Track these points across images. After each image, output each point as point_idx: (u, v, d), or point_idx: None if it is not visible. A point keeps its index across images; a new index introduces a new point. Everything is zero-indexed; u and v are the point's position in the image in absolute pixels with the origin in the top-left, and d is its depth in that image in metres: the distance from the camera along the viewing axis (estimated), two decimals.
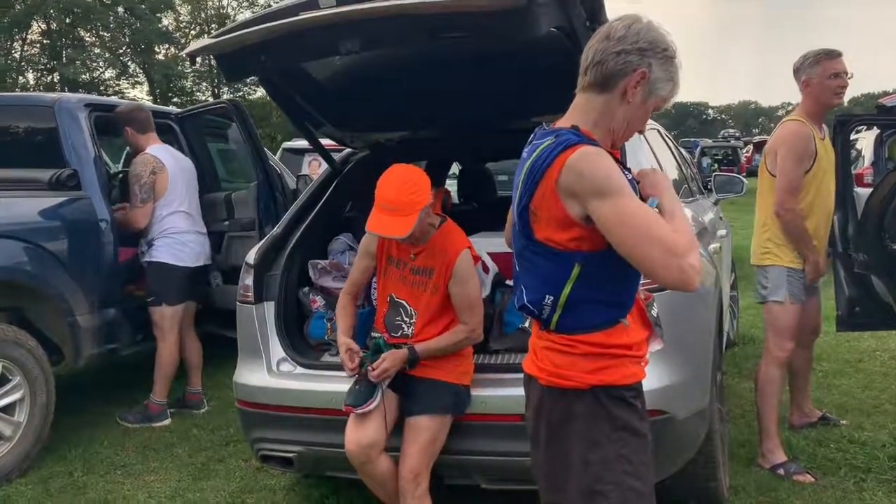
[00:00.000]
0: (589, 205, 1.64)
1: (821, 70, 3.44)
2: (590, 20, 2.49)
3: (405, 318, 2.76)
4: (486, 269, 3.12)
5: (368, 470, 2.67)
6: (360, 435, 2.62)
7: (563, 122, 1.77)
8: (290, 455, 2.94)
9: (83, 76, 32.66)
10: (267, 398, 2.97)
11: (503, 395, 2.65)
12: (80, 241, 4.17)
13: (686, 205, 3.54)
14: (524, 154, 1.78)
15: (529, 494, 2.00)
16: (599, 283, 1.72)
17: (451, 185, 5.08)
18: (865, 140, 9.15)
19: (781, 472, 3.44)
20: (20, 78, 32.59)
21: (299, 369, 3.01)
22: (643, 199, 1.75)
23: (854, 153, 8.55)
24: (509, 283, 3.10)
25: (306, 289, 3.38)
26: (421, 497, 2.62)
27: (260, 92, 30.60)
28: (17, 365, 3.75)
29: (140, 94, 35.15)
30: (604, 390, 1.76)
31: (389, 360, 2.62)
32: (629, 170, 1.78)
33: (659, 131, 4.29)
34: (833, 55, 3.46)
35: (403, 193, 2.55)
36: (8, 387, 3.73)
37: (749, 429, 3.89)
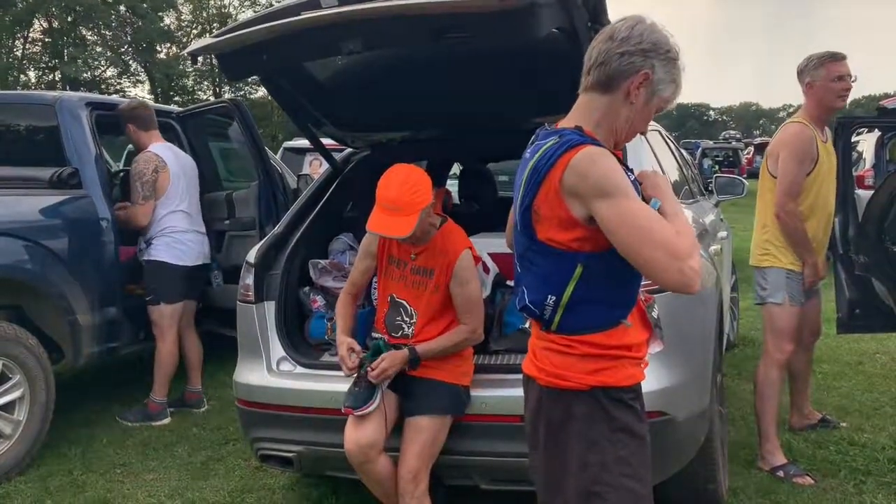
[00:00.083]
0: (591, 205, 1.64)
1: (825, 73, 3.44)
2: (592, 21, 2.49)
3: (405, 319, 2.75)
4: (486, 270, 3.12)
5: (367, 470, 2.67)
6: (360, 435, 2.62)
7: (566, 123, 1.77)
8: (290, 455, 2.94)
9: (85, 75, 32.67)
10: (267, 397, 2.97)
11: (503, 395, 2.65)
12: (81, 239, 4.17)
13: (687, 206, 3.54)
14: (526, 154, 1.79)
15: (528, 495, 2.00)
16: (602, 283, 1.72)
17: (452, 186, 5.07)
18: (866, 142, 9.16)
19: (781, 474, 3.43)
20: (21, 76, 32.62)
21: (299, 369, 3.01)
22: (645, 200, 1.75)
23: (855, 155, 8.55)
24: (510, 283, 3.10)
25: (307, 288, 3.39)
26: (420, 497, 2.62)
27: (261, 91, 30.67)
28: (18, 363, 3.76)
29: (141, 92, 35.19)
30: (603, 391, 1.76)
31: (388, 361, 2.62)
32: (631, 171, 1.78)
33: (660, 132, 4.29)
34: (837, 58, 3.46)
35: (405, 193, 2.55)
36: (8, 385, 3.73)
37: (749, 430, 3.89)
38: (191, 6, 37.51)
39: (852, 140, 4.70)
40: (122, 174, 5.34)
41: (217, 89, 36.42)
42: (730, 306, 5.01)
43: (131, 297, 4.45)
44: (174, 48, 35.86)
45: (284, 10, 2.59)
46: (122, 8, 33.10)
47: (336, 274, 3.41)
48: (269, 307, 3.13)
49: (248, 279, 3.14)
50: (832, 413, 4.17)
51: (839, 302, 4.02)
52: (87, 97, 4.79)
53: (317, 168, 8.48)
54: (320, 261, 3.45)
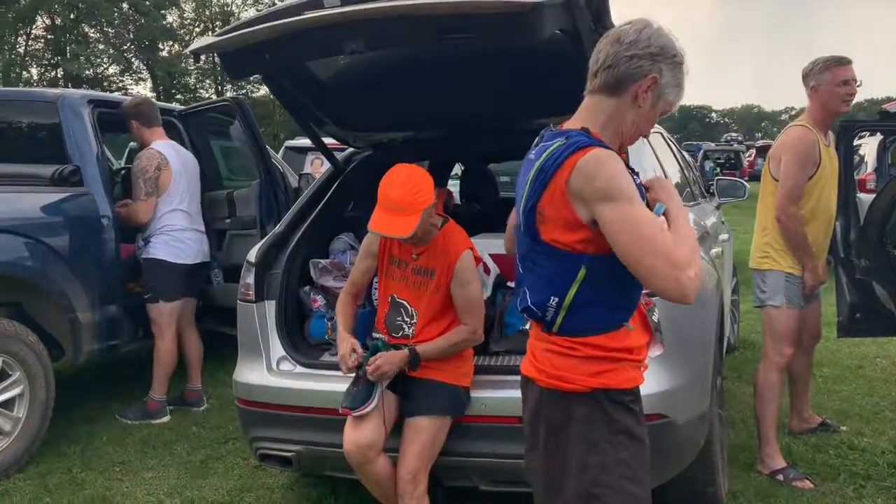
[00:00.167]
0: (595, 208, 1.64)
1: (830, 77, 3.43)
2: (595, 22, 2.49)
3: (406, 319, 2.75)
4: (487, 271, 3.12)
5: (366, 470, 2.67)
6: (359, 435, 2.62)
7: (572, 124, 1.77)
8: (289, 454, 2.94)
9: (87, 72, 32.70)
10: (266, 397, 2.97)
11: (503, 397, 2.65)
12: (82, 237, 4.17)
13: (688, 208, 3.54)
14: (531, 156, 1.78)
15: (527, 496, 1.99)
16: (605, 285, 1.72)
17: (454, 186, 5.07)
18: (868, 146, 9.15)
19: (780, 477, 3.43)
20: (24, 73, 32.66)
21: (299, 368, 3.01)
22: (650, 204, 1.75)
23: (857, 159, 8.54)
24: (510, 284, 3.10)
25: (307, 288, 3.38)
26: (419, 498, 2.62)
27: (263, 90, 30.67)
28: (18, 360, 3.75)
29: (143, 90, 35.23)
30: (604, 394, 1.76)
31: (384, 359, 2.62)
32: (637, 174, 1.78)
33: (662, 134, 4.29)
34: (843, 62, 3.45)
35: (407, 193, 2.55)
36: (8, 382, 3.73)
37: (749, 434, 3.88)
38: (193, 4, 37.56)
39: (854, 143, 4.69)
40: (123, 172, 5.34)
41: (219, 87, 36.45)
42: (730, 309, 5.01)
43: (131, 294, 4.45)
44: (176, 46, 35.90)
45: (287, 10, 2.59)
46: (125, 5, 33.15)
47: (337, 274, 3.41)
48: (270, 306, 3.13)
49: (249, 278, 3.14)
50: (832, 417, 4.17)
51: (840, 305, 4.01)
52: (89, 95, 4.79)
53: (318, 167, 8.48)
54: (321, 260, 3.45)
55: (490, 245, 3.15)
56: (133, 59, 35.36)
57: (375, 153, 3.79)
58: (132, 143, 7.66)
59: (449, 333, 2.70)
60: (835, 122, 3.63)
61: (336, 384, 2.75)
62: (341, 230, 3.68)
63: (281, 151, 9.41)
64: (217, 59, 3.14)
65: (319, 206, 3.54)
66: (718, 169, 23.52)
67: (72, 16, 32.35)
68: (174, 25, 36.54)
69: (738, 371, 5.09)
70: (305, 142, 8.76)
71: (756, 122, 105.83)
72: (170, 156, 4.48)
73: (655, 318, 2.45)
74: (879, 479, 3.41)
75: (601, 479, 1.74)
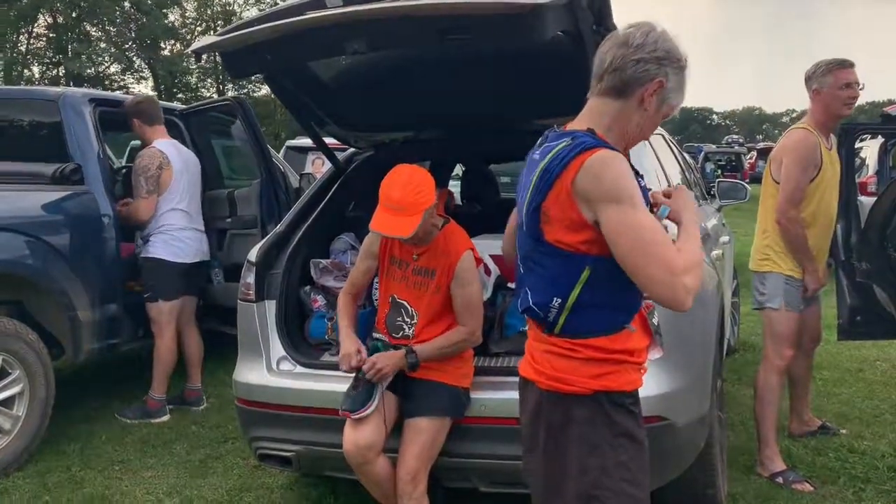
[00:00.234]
0: (598, 209, 1.64)
1: (832, 80, 3.43)
2: (596, 24, 2.49)
3: (406, 319, 2.75)
4: (488, 272, 3.11)
5: (366, 471, 2.67)
6: (358, 436, 2.61)
7: (576, 125, 1.77)
8: (289, 454, 2.94)
9: (88, 70, 32.71)
10: (266, 397, 2.97)
11: (503, 398, 2.64)
12: (83, 235, 4.17)
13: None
14: (535, 156, 1.78)
15: (526, 498, 1.99)
16: (608, 287, 1.72)
17: (455, 187, 5.07)
18: (870, 149, 9.14)
19: (780, 480, 3.43)
20: (25, 71, 32.66)
21: (299, 368, 3.00)
22: (653, 208, 1.75)
23: (858, 162, 8.54)
24: (511, 285, 3.10)
25: (307, 288, 3.38)
26: (419, 499, 2.61)
27: (265, 89, 30.64)
28: (18, 358, 3.75)
29: (145, 89, 35.24)
30: (606, 396, 1.75)
31: (381, 360, 2.62)
32: (641, 176, 1.78)
33: (663, 136, 4.29)
34: (846, 65, 3.45)
35: (408, 194, 2.55)
36: (7, 380, 3.73)
37: (749, 436, 3.88)
38: (195, 3, 37.56)
39: (855, 146, 4.69)
40: (124, 171, 5.34)
41: (220, 87, 36.44)
42: (731, 311, 5.01)
43: (132, 293, 4.45)
44: (178, 45, 35.91)
45: (289, 10, 2.59)
46: (127, 4, 33.15)
47: (337, 274, 3.40)
48: (270, 306, 3.13)
49: (250, 278, 3.14)
50: (832, 420, 4.17)
51: (840, 308, 4.01)
52: (90, 93, 4.79)
53: (319, 167, 8.48)
54: (321, 260, 3.45)
55: (491, 246, 3.15)
56: (135, 58, 35.37)
57: (377, 153, 3.79)
58: (133, 142, 7.68)
59: (447, 334, 2.70)
60: (837, 124, 3.62)
61: (336, 384, 2.75)
62: (342, 230, 3.68)
63: (282, 151, 9.40)
64: (218, 59, 3.14)
65: (320, 206, 3.53)
66: (719, 171, 23.49)
67: (74, 14, 32.37)
68: (176, 24, 36.55)
69: (738, 373, 5.09)
70: (306, 141, 8.75)
71: (757, 125, 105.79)
72: (171, 155, 4.48)
73: (655, 320, 2.45)
74: (879, 483, 3.41)
75: (601, 482, 1.74)
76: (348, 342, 2.72)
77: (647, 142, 3.09)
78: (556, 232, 1.70)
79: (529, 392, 1.87)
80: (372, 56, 2.83)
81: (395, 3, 2.39)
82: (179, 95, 34.80)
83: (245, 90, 33.15)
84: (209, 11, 37.95)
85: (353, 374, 2.66)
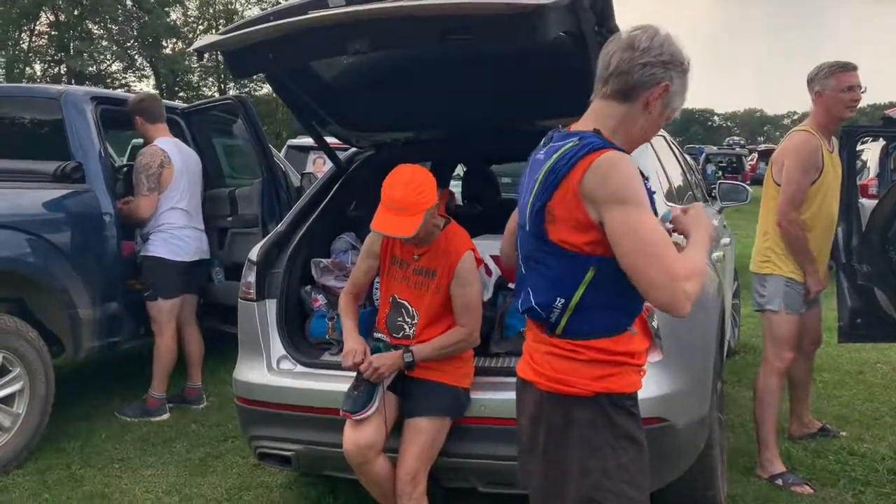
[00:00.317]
0: (603, 209, 1.64)
1: (835, 82, 3.43)
2: (599, 25, 2.49)
3: (407, 319, 2.75)
4: (488, 272, 3.11)
5: (366, 471, 2.67)
6: (359, 435, 2.61)
7: (582, 127, 1.77)
8: (289, 453, 2.94)
9: (90, 68, 32.73)
10: (266, 396, 2.97)
11: (503, 398, 2.64)
12: (84, 233, 4.17)
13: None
14: (540, 155, 1.78)
15: (526, 498, 1.99)
16: (612, 288, 1.71)
17: (456, 187, 5.07)
18: (871, 151, 9.13)
19: (780, 482, 3.43)
20: (27, 69, 32.68)
21: (299, 368, 3.00)
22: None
23: (859, 164, 8.52)
24: (512, 286, 3.10)
25: (308, 287, 3.38)
26: (418, 499, 2.61)
27: (266, 88, 30.67)
28: (18, 356, 3.76)
29: (146, 87, 35.21)
30: (607, 398, 1.75)
31: (378, 360, 2.62)
32: (647, 179, 1.78)
33: (664, 137, 4.29)
34: (849, 68, 3.45)
35: (410, 193, 2.54)
36: (8, 378, 3.73)
37: (748, 438, 3.88)
38: (197, 2, 37.57)
39: (857, 149, 4.68)
40: (125, 169, 5.34)
41: (222, 86, 36.45)
42: (731, 313, 5.00)
43: (132, 291, 4.45)
44: (180, 44, 35.92)
45: (291, 9, 2.59)
46: (129, 2, 33.16)
47: (338, 273, 3.41)
48: (271, 305, 3.13)
49: (250, 277, 3.14)
50: (832, 422, 4.17)
51: (841, 311, 4.01)
52: (92, 91, 4.79)
53: (320, 166, 8.47)
54: (322, 259, 3.45)
55: (492, 246, 3.14)
56: (136, 57, 35.39)
57: (378, 153, 3.79)
58: (135, 140, 7.68)
59: (446, 334, 2.70)
60: (838, 127, 3.62)
61: (336, 384, 2.75)
62: (343, 230, 3.68)
63: (283, 150, 9.39)
64: (220, 58, 3.14)
65: (321, 206, 3.54)
66: (720, 172, 23.48)
67: (76, 12, 32.39)
68: (178, 23, 36.56)
69: (738, 375, 5.09)
70: (308, 141, 8.74)
71: (758, 126, 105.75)
72: (172, 153, 4.48)
73: (655, 323, 2.45)
74: (879, 486, 3.41)
75: (602, 483, 1.73)
76: (352, 340, 2.73)
77: (648, 143, 3.10)
78: (560, 232, 1.70)
79: (528, 393, 1.86)
80: (374, 56, 2.83)
81: (397, 3, 2.39)
82: (181, 94, 34.81)
83: (247, 89, 33.17)
84: (211, 10, 37.96)
85: (354, 373, 2.66)
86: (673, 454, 2.65)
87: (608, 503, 1.73)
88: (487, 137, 3.72)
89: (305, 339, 3.25)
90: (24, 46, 33.24)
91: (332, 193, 3.61)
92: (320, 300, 3.35)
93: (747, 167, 25.41)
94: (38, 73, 33.33)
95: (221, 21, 35.94)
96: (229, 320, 3.88)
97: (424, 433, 2.61)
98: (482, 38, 2.44)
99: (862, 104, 3.59)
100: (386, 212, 2.56)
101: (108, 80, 33.60)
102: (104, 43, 34.11)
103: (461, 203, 4.75)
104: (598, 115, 1.78)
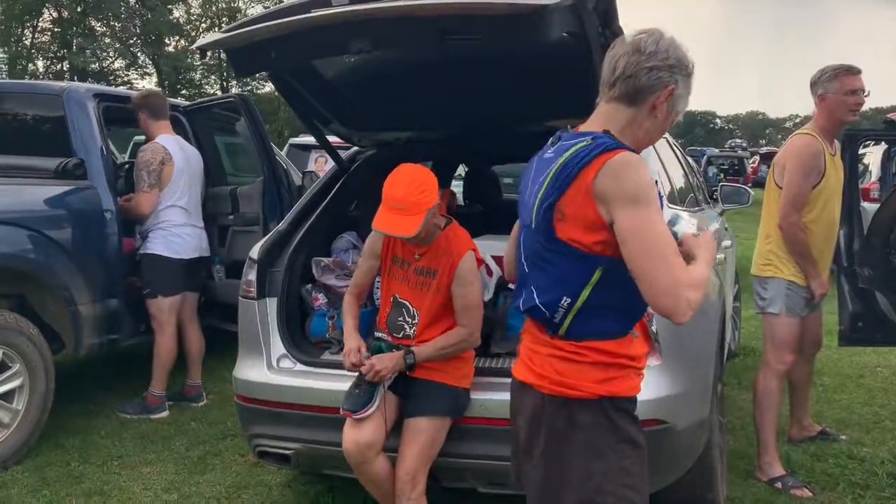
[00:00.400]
0: (615, 209, 1.63)
1: (838, 86, 3.42)
2: (602, 26, 2.48)
3: (407, 319, 2.75)
4: (489, 273, 3.11)
5: (365, 470, 2.66)
6: (358, 435, 2.61)
7: (591, 128, 1.77)
8: (288, 452, 2.94)
9: (93, 65, 32.70)
10: (266, 394, 2.97)
11: (503, 399, 2.59)
12: (85, 230, 4.17)
13: (692, 215, 3.54)
14: (549, 154, 1.78)
15: (525, 499, 1.99)
16: (619, 289, 1.70)
17: (457, 187, 5.07)
18: (873, 155, 9.13)
19: (779, 485, 3.42)
20: (30, 65, 32.68)
21: (299, 366, 3.00)
22: None
23: (861, 168, 8.52)
24: (513, 287, 3.09)
25: (309, 286, 3.38)
26: (417, 499, 2.61)
27: (268, 87, 30.64)
28: (18, 352, 3.76)
29: (149, 84, 35.17)
30: (610, 401, 1.75)
31: (379, 362, 2.62)
32: (655, 182, 1.78)
33: (667, 139, 4.28)
34: (853, 72, 3.44)
35: (411, 193, 2.54)
36: (8, 374, 3.73)
37: (748, 441, 3.88)
38: (200, 0, 37.54)
39: (859, 153, 4.68)
40: (127, 166, 5.34)
41: (224, 84, 36.45)
42: (732, 315, 5.00)
43: (133, 289, 4.45)
44: (183, 41, 35.91)
45: (294, 8, 2.59)
46: (132, 0, 33.14)
47: (339, 272, 3.41)
48: (271, 304, 3.13)
49: (251, 275, 3.14)
50: (832, 426, 4.16)
51: (842, 314, 4.00)
52: (94, 88, 4.79)
53: (322, 165, 8.47)
54: (323, 258, 3.45)
55: (493, 247, 3.14)
56: (139, 54, 35.35)
57: (380, 152, 3.79)
58: (137, 137, 7.68)
59: (446, 335, 2.70)
60: (840, 130, 3.62)
61: (336, 383, 2.75)
62: (344, 229, 3.68)
63: (285, 149, 9.40)
64: (223, 56, 3.14)
65: (323, 205, 3.53)
66: (722, 175, 23.50)
67: (79, 9, 32.36)
68: (181, 21, 36.52)
69: (738, 377, 5.09)
70: (309, 139, 8.74)
71: (760, 129, 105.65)
72: (174, 151, 4.48)
73: (654, 328, 2.45)
74: (878, 490, 3.40)
75: (604, 487, 1.73)
76: (351, 340, 2.73)
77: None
78: (570, 230, 1.69)
79: (527, 396, 1.85)
80: (376, 55, 2.83)
81: (400, 3, 2.39)
82: (183, 92, 34.77)
83: (249, 87, 33.15)
84: (214, 8, 37.91)
85: (356, 373, 2.66)
86: (673, 456, 2.64)
87: None
88: (489, 138, 3.72)
89: (306, 338, 3.25)
90: (27, 42, 33.23)
91: (333, 192, 3.61)
92: (321, 299, 3.35)
93: (749, 170, 25.44)
94: (41, 70, 33.32)
95: (224, 19, 35.89)
96: (229, 318, 3.88)
97: (424, 433, 2.61)
98: (485, 38, 2.44)
99: (864, 108, 3.59)
100: (387, 211, 2.56)
101: (111, 77, 33.58)
102: (107, 40, 34.07)
103: (462, 203, 4.75)
104: (604, 118, 1.78)
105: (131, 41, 34.44)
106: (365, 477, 2.70)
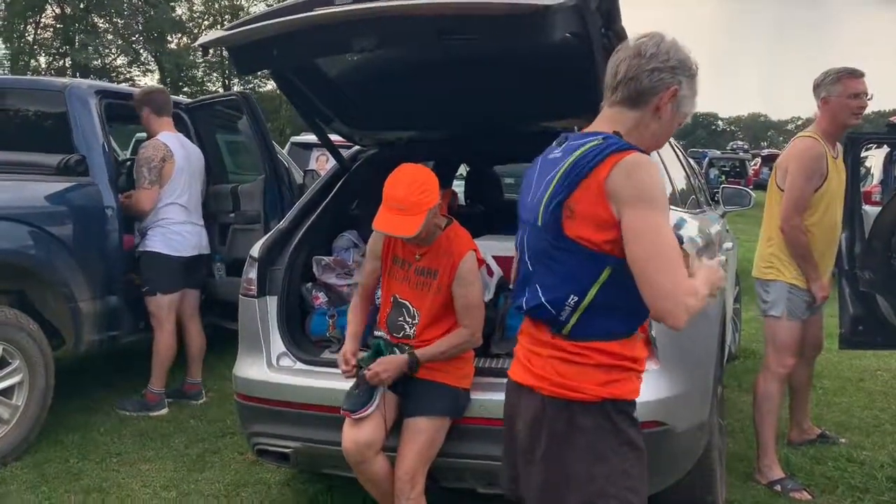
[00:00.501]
0: (623, 209, 1.64)
1: (841, 89, 3.42)
2: (605, 26, 2.48)
3: (408, 319, 2.75)
4: (490, 273, 3.11)
5: (364, 469, 2.66)
6: (358, 434, 2.61)
7: (599, 129, 1.77)
8: (287, 450, 2.94)
9: (95, 62, 32.74)
10: (266, 392, 2.97)
11: (503, 399, 2.63)
12: (86, 227, 4.17)
13: (693, 216, 3.53)
14: (557, 154, 1.78)
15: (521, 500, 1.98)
16: (626, 290, 1.69)
17: (458, 187, 5.07)
18: (875, 158, 9.13)
19: (778, 488, 3.42)
20: (32, 61, 32.69)
21: (299, 365, 3.00)
22: None
23: (862, 171, 8.52)
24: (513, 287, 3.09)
25: (309, 284, 3.38)
26: (416, 499, 2.61)
27: (270, 85, 30.64)
28: (18, 348, 3.76)
29: (151, 81, 35.17)
30: (613, 404, 1.75)
31: (383, 365, 2.61)
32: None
33: (668, 141, 4.27)
34: (856, 75, 3.44)
35: (412, 193, 2.54)
36: (8, 370, 3.73)
37: (748, 443, 3.87)
38: None
39: (861, 156, 4.67)
40: (129, 163, 5.34)
41: (226, 81, 36.47)
42: (732, 318, 5.00)
43: (134, 286, 4.45)
44: (185, 39, 35.92)
45: (297, 6, 2.58)
46: None
47: (339, 271, 3.40)
48: (272, 302, 3.13)
49: (251, 273, 3.14)
50: (831, 429, 4.16)
51: (842, 318, 3.99)
52: (96, 85, 4.79)
53: (323, 164, 8.46)
54: (324, 257, 3.45)
55: (494, 247, 3.14)
56: (141, 51, 35.36)
57: (381, 152, 3.79)
58: (138, 134, 7.67)
59: (448, 336, 2.69)
60: (843, 134, 3.61)
61: (336, 382, 2.75)
62: (345, 227, 3.68)
63: (287, 147, 9.38)
64: (225, 53, 3.14)
65: (324, 203, 3.53)
66: (723, 177, 23.47)
67: (81, 6, 32.38)
68: (183, 18, 36.55)
69: (738, 380, 5.08)
70: (311, 138, 8.73)
71: (762, 131, 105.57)
72: (175, 149, 4.48)
73: (653, 332, 2.45)
74: (877, 493, 3.40)
75: (606, 490, 1.73)
76: (347, 344, 2.74)
77: None
78: (579, 228, 1.69)
79: (525, 398, 1.84)
80: (379, 54, 2.83)
81: (403, 2, 2.39)
82: (185, 89, 34.78)
83: (251, 85, 33.18)
84: (216, 6, 37.92)
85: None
86: (672, 458, 2.64)
87: None
88: (491, 137, 3.72)
89: (306, 337, 3.25)
90: (30, 39, 33.25)
91: (334, 191, 3.60)
92: (321, 297, 3.35)
93: (750, 172, 25.41)
94: (43, 66, 33.32)
95: (227, 17, 35.93)
96: (229, 316, 3.88)
97: (424, 433, 2.61)
98: (483, 38, 2.44)
99: (866, 112, 3.59)
100: (388, 211, 2.55)
101: (113, 74, 33.58)
102: (109, 37, 34.09)
103: (464, 203, 4.75)
104: (609, 121, 1.78)
105: (134, 38, 34.46)
106: (364, 476, 2.70)
